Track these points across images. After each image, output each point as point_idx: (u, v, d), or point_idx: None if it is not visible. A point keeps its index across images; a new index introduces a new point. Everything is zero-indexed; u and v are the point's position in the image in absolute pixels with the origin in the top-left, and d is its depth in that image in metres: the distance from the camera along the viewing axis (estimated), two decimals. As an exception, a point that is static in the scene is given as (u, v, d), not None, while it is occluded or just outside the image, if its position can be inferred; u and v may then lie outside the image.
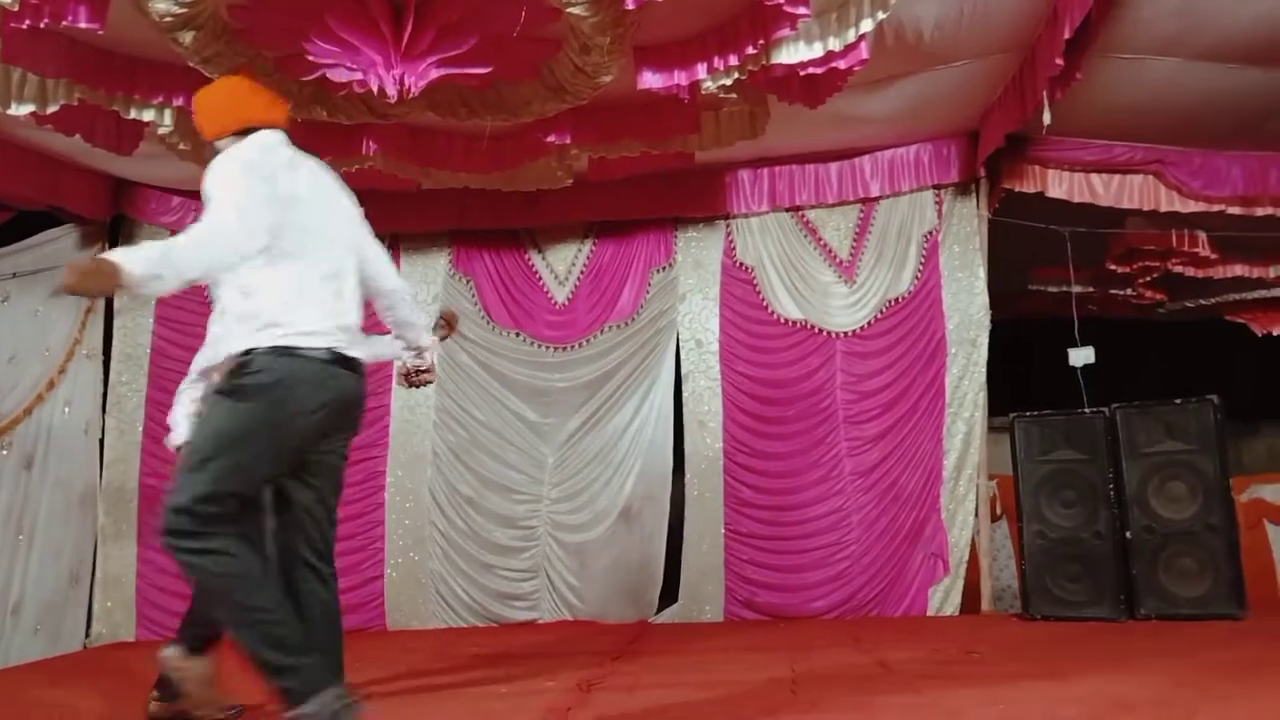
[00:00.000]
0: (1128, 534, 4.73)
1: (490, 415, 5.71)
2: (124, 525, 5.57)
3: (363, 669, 3.30)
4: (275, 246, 2.39)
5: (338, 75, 3.53)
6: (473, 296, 5.84)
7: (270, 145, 2.54)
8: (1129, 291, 7.02)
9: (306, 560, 2.51)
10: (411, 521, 5.60)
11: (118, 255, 2.09)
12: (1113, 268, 6.50)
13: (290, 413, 2.38)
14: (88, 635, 5.47)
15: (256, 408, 2.35)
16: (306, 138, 4.40)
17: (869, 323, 5.47)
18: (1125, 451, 4.80)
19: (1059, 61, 3.84)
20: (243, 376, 2.37)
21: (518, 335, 5.78)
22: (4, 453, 5.57)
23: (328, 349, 2.44)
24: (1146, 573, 4.69)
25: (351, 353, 2.52)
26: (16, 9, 3.16)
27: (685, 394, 5.62)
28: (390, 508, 5.63)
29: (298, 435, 2.41)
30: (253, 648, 2.28)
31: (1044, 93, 4.18)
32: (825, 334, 5.50)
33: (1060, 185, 5.22)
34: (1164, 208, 5.23)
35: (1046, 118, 4.21)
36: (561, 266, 5.84)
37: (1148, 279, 6.72)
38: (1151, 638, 4.23)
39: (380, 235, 2.84)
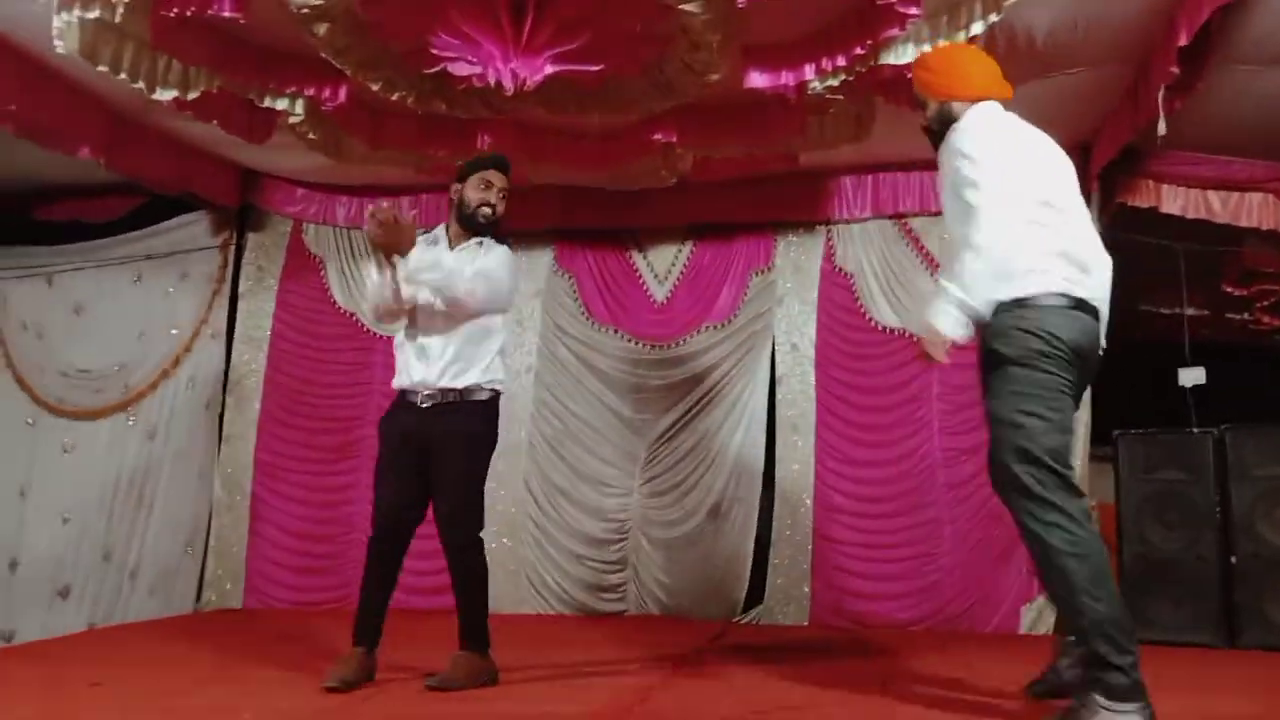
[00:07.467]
0: (1233, 559, 4.56)
1: (586, 409, 5.83)
2: (238, 498, 5.84)
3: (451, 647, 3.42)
4: None
5: (458, 69, 3.67)
6: (574, 293, 5.97)
7: None
8: (1245, 316, 6.79)
9: None
10: (504, 508, 5.70)
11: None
12: (1229, 290, 6.29)
13: None
14: (198, 600, 5.74)
15: None
16: (425, 130, 4.62)
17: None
18: (1234, 473, 4.64)
19: (1174, 70, 3.77)
20: None
21: (616, 332, 5.88)
22: (131, 423, 5.93)
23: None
24: (1251, 601, 4.51)
25: None
26: (166, -2, 3.39)
27: (779, 397, 5.63)
28: (486, 494, 5.75)
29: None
30: None
31: (1159, 101, 4.09)
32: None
33: (1175, 201, 5.06)
34: (1284, 228, 5.05)
35: (1161, 127, 4.09)
36: (662, 266, 5.93)
37: (1265, 303, 6.49)
38: (1253, 667, 4.09)
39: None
